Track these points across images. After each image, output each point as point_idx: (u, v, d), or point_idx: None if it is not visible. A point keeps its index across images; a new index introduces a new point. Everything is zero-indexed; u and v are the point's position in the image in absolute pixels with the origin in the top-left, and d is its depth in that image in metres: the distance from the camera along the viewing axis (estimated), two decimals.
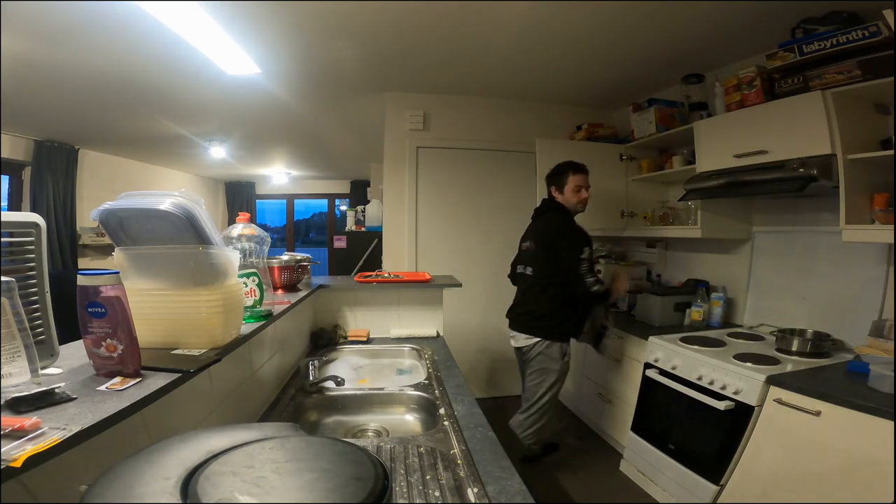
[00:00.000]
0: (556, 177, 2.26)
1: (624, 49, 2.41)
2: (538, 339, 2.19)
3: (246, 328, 1.14)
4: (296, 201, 8.35)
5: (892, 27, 1.52)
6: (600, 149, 3.05)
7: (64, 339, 0.86)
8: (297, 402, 1.38)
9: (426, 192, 3.34)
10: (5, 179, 4.43)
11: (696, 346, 2.05)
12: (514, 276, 2.47)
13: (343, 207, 7.39)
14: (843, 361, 1.75)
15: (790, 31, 1.94)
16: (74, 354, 0.86)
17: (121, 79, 2.81)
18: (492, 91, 3.23)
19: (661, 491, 2.11)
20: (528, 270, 2.28)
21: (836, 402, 1.44)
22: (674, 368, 2.07)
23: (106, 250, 5.20)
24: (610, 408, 2.65)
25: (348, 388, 1.47)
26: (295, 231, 8.57)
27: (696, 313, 2.46)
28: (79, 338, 0.80)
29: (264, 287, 1.29)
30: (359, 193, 7.45)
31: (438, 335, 2.14)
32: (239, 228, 1.31)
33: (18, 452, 0.50)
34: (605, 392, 2.69)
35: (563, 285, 2.14)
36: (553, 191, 2.28)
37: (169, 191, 0.92)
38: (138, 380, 0.76)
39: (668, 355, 2.13)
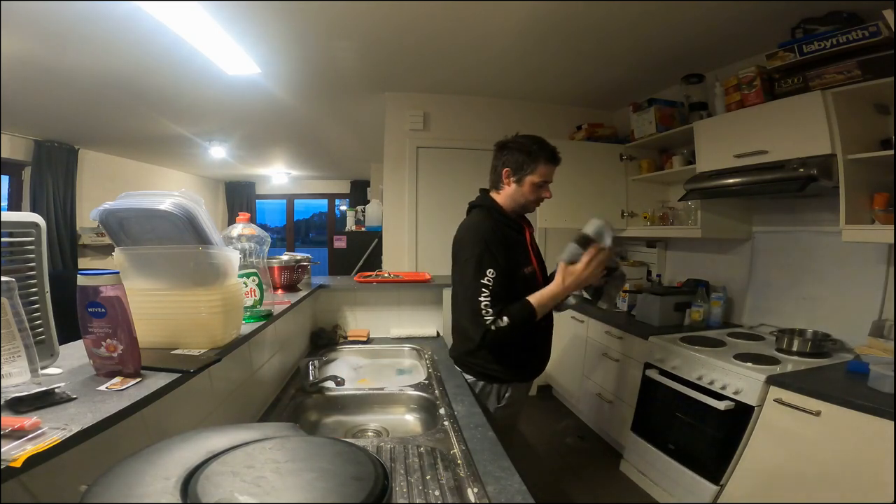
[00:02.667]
0: (519, 159, 1.45)
1: (624, 49, 2.42)
2: (472, 379, 1.55)
3: (246, 328, 1.14)
4: (296, 201, 8.35)
5: (892, 27, 1.52)
6: (600, 149, 3.05)
7: (64, 339, 0.86)
8: (297, 402, 1.38)
9: (426, 192, 3.34)
10: (5, 179, 4.43)
11: (696, 346, 2.05)
12: None
13: (343, 207, 7.39)
14: (843, 361, 1.75)
15: (790, 31, 1.94)
16: (74, 354, 0.86)
17: (121, 79, 2.81)
18: (492, 91, 3.23)
19: (661, 491, 2.11)
20: (453, 288, 1.56)
21: (836, 402, 1.44)
22: (674, 368, 2.07)
23: (106, 250, 5.20)
24: (610, 408, 2.65)
25: (348, 388, 1.47)
26: (295, 231, 8.57)
27: (696, 313, 2.46)
28: (79, 338, 0.80)
29: (264, 287, 1.29)
30: (359, 193, 7.45)
31: (438, 335, 2.14)
32: (239, 228, 1.31)
33: (18, 452, 0.50)
34: (605, 392, 2.69)
35: None
36: (505, 175, 1.47)
37: (169, 191, 0.92)
38: (138, 380, 0.76)
39: (668, 355, 2.13)
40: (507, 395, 1.53)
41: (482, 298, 1.32)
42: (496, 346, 1.41)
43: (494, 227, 1.43)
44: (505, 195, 1.49)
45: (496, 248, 1.37)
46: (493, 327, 1.31)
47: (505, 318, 1.31)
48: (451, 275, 1.54)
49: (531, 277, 1.47)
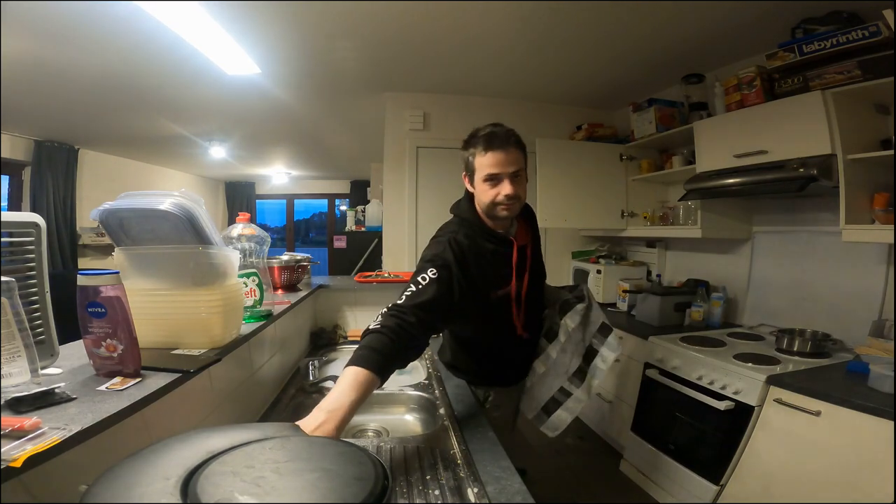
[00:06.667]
0: (464, 154, 1.28)
1: (624, 49, 2.41)
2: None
3: (246, 328, 1.14)
4: (296, 201, 8.35)
5: (892, 27, 1.52)
6: (600, 149, 3.05)
7: (64, 339, 0.86)
8: (297, 402, 1.38)
9: (426, 192, 3.34)
10: (5, 179, 4.43)
11: (696, 346, 2.05)
12: None
13: (343, 207, 7.39)
14: (843, 361, 1.75)
15: (790, 31, 1.94)
16: (74, 354, 0.86)
17: (121, 79, 2.81)
18: (492, 91, 3.23)
19: (661, 491, 2.11)
20: None
21: (836, 402, 1.44)
22: (674, 368, 2.07)
23: (106, 250, 5.19)
24: (610, 408, 2.65)
25: None
26: (295, 231, 8.56)
27: (696, 313, 2.46)
28: (79, 338, 0.80)
29: (264, 287, 1.29)
30: (359, 193, 7.44)
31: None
32: (239, 228, 1.31)
33: (18, 452, 0.50)
34: (605, 392, 2.69)
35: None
36: (465, 180, 1.32)
37: (169, 191, 0.92)
38: (138, 380, 0.76)
39: (668, 355, 2.13)
40: (490, 398, 1.46)
41: (405, 291, 1.12)
42: None
43: (462, 244, 1.22)
44: (476, 203, 1.28)
45: (455, 270, 1.17)
46: (378, 317, 1.06)
47: (386, 323, 1.04)
48: None
49: (503, 301, 1.28)
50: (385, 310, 1.08)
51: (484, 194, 1.23)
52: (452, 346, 1.50)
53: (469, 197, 1.32)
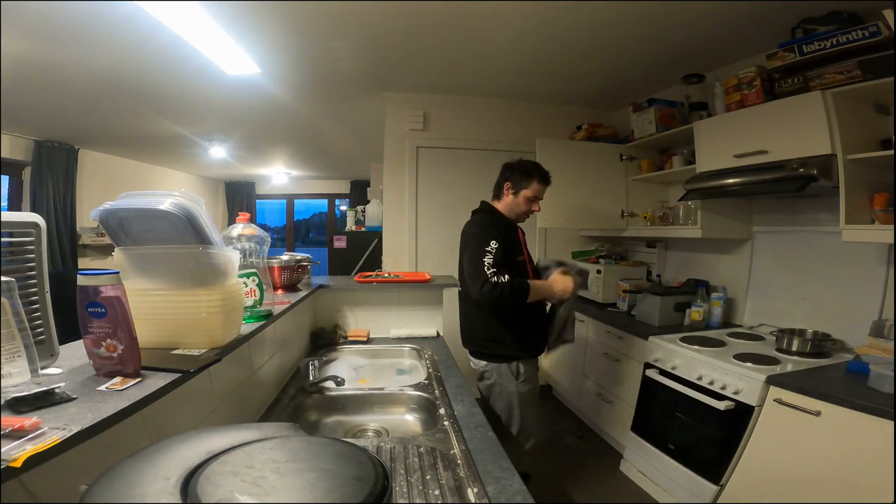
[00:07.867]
0: (518, 176, 1.82)
1: (624, 49, 2.41)
2: (485, 363, 1.83)
3: (246, 328, 1.14)
4: (296, 201, 8.35)
5: (892, 27, 1.52)
6: (600, 149, 3.05)
7: (64, 339, 0.86)
8: (297, 402, 1.38)
9: (426, 192, 3.34)
10: (5, 179, 4.43)
11: (696, 346, 2.05)
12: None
13: (343, 207, 7.39)
14: (843, 361, 1.75)
15: (790, 31, 1.94)
16: (74, 354, 0.86)
17: (121, 79, 2.81)
18: (492, 91, 3.23)
19: (661, 491, 2.11)
20: (460, 284, 1.91)
21: (836, 402, 1.44)
22: (674, 368, 2.07)
23: (106, 250, 5.20)
24: (610, 408, 2.65)
25: (348, 388, 1.47)
26: (295, 231, 8.56)
27: (696, 313, 2.46)
28: (79, 338, 0.80)
29: (264, 287, 1.29)
30: (359, 193, 7.45)
31: (438, 335, 2.14)
32: (239, 228, 1.31)
33: (18, 452, 0.50)
34: (605, 392, 2.69)
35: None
36: (506, 188, 1.84)
37: (169, 191, 0.92)
38: (138, 380, 0.76)
39: (668, 355, 2.13)
40: (521, 371, 1.79)
41: (486, 260, 1.61)
42: (491, 303, 1.62)
43: (496, 222, 1.78)
44: (503, 204, 1.85)
45: (498, 235, 1.68)
46: (493, 279, 1.58)
47: (506, 277, 1.59)
48: (459, 265, 1.83)
49: (522, 265, 1.79)
50: (485, 274, 1.59)
51: (525, 205, 1.83)
52: (492, 319, 1.78)
53: (487, 203, 1.91)
